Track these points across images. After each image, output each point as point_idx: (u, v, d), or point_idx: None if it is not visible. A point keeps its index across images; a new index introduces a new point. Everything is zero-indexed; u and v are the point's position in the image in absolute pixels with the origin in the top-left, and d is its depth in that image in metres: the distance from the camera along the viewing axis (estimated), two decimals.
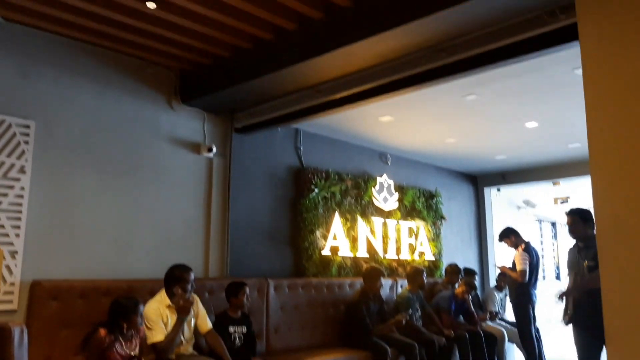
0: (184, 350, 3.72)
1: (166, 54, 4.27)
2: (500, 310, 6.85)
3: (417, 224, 7.16)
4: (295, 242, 5.59)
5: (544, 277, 11.97)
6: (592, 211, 2.65)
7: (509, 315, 6.82)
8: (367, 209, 6.43)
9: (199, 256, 4.67)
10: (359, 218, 6.27)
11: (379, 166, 6.88)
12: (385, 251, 6.56)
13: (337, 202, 6.04)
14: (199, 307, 3.85)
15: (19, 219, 3.60)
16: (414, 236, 7.05)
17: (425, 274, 5.98)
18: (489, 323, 6.47)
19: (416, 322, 5.64)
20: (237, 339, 4.10)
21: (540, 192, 10.46)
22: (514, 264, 6.06)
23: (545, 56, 3.38)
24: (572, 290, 3.94)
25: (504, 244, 6.42)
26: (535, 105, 5.17)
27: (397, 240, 6.75)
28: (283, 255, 5.48)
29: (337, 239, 5.93)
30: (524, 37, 3.13)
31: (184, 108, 4.70)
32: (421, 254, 7.11)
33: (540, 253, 7.89)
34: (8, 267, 3.50)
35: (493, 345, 6.02)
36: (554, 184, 8.63)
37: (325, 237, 5.80)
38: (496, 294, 6.92)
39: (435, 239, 7.42)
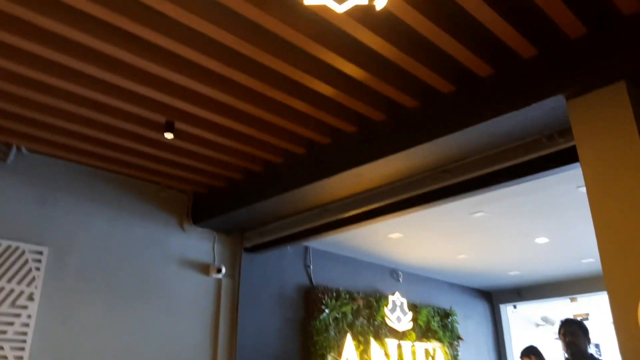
0: None
1: (181, 179, 4.40)
2: None
3: (434, 345, 6.82)
4: None
5: None
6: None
7: None
8: (381, 330, 6.18)
9: None
10: (372, 340, 6.00)
11: (391, 283, 6.74)
12: None
13: (349, 323, 5.83)
14: None
15: (23, 349, 3.48)
16: (430, 359, 6.69)
17: None
18: None
19: None
20: None
21: (558, 308, 10.08)
22: None
23: (549, 176, 3.44)
24: None
25: None
26: (544, 221, 5.18)
27: None
28: None
29: None
30: (525, 160, 3.22)
31: (194, 229, 4.74)
32: None
33: None
34: None
35: None
36: (572, 300, 8.35)
37: None
38: None
39: None
